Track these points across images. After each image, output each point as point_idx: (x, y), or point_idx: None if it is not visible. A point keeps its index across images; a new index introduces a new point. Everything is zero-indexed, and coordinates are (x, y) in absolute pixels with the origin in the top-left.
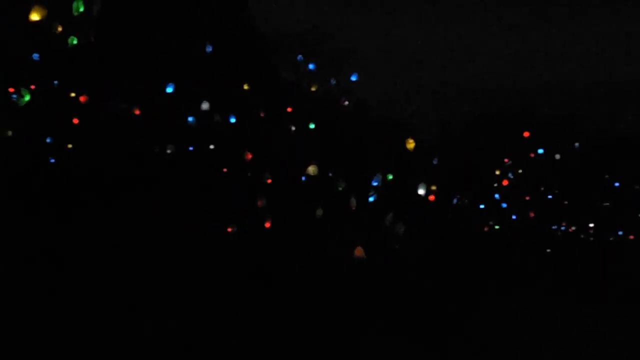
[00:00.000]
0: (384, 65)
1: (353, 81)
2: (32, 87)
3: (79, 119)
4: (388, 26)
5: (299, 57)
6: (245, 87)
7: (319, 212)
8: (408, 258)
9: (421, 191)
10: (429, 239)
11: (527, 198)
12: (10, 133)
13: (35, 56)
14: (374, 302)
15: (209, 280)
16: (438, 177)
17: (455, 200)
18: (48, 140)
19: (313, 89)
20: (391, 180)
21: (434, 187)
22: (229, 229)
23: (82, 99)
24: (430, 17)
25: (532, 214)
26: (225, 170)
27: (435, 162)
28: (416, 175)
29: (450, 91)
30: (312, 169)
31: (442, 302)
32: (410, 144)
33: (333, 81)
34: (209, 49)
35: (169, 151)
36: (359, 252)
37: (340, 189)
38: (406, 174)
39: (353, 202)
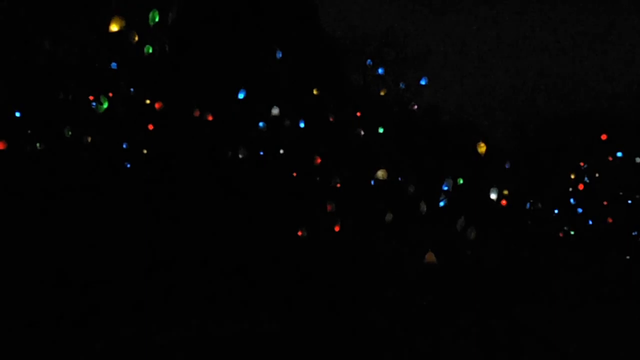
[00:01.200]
0: (455, 69)
1: (423, 85)
2: (110, 94)
3: (153, 125)
4: (458, 29)
5: (369, 61)
6: (315, 92)
7: (389, 216)
8: (480, 263)
9: (493, 195)
10: (502, 244)
11: (605, 203)
12: (89, 139)
13: (114, 65)
14: (445, 306)
15: (280, 281)
16: (511, 181)
17: (528, 205)
18: (124, 145)
19: (382, 93)
20: (462, 184)
21: (506, 192)
22: (299, 233)
23: (157, 105)
24: (502, 18)
25: (610, 220)
26: (295, 174)
27: (507, 165)
28: (488, 180)
29: (524, 93)
30: (381, 174)
31: (513, 306)
32: (482, 148)
33: (402, 85)
34: (279, 54)
35: (240, 156)
36: (430, 257)
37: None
38: (477, 178)
39: (423, 206)
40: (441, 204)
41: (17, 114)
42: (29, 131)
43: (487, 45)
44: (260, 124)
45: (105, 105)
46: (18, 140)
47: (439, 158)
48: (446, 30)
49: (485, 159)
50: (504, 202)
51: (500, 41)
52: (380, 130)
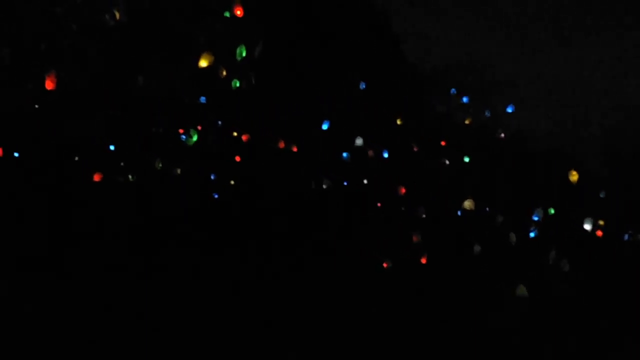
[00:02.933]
0: (543, 94)
1: (509, 112)
2: (199, 127)
3: (240, 157)
4: (545, 54)
5: (452, 89)
6: (398, 121)
7: (477, 248)
8: (573, 297)
9: (587, 226)
10: (597, 277)
11: None
12: (179, 171)
13: (202, 99)
14: (536, 342)
15: (366, 315)
16: (606, 211)
17: (626, 236)
18: (212, 176)
19: (467, 121)
20: (553, 214)
21: (601, 222)
22: (385, 265)
23: (244, 137)
24: (592, 41)
25: None
26: (379, 204)
27: (602, 194)
28: (581, 209)
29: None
30: (468, 204)
31: (609, 350)
32: (574, 176)
33: (488, 113)
34: (362, 85)
35: (324, 186)
36: (521, 290)
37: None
38: (570, 208)
39: (513, 237)
40: (531, 234)
41: (111, 147)
42: (122, 163)
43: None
44: (344, 154)
45: (195, 138)
46: (112, 173)
47: (528, 187)
48: (534, 56)
49: (578, 188)
50: (599, 232)
51: (592, 65)
52: (466, 159)
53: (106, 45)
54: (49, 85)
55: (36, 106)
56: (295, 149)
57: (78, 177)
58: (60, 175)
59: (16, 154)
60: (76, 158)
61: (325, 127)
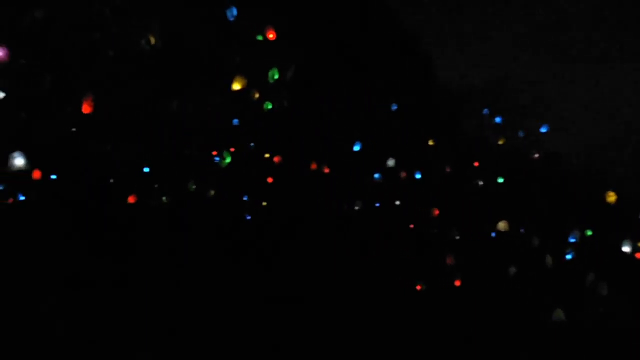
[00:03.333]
0: (578, 114)
1: (543, 133)
2: (232, 149)
3: (272, 178)
4: (580, 73)
5: (485, 110)
6: (430, 142)
7: (512, 270)
8: (612, 321)
9: (626, 248)
10: (636, 301)
11: None
12: (212, 192)
13: (235, 121)
14: None
15: (401, 338)
16: None
17: None
18: (245, 197)
19: (500, 142)
20: (590, 236)
21: None
22: (418, 287)
23: (275, 159)
24: (628, 59)
25: None
26: (412, 226)
27: None
28: (619, 231)
29: None
30: (502, 225)
31: None
32: (611, 197)
33: (521, 133)
34: (393, 106)
35: (356, 208)
36: (558, 314)
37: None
38: (608, 229)
39: (549, 260)
40: (568, 257)
41: (146, 170)
42: (156, 185)
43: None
44: (376, 175)
45: (228, 159)
46: (146, 195)
47: (564, 208)
48: (569, 75)
49: (615, 209)
50: (638, 255)
51: (628, 84)
52: (500, 180)
53: (141, 70)
54: (86, 109)
55: (73, 129)
56: (327, 170)
57: (114, 199)
58: (96, 197)
59: (53, 177)
60: (111, 180)
61: (356, 148)
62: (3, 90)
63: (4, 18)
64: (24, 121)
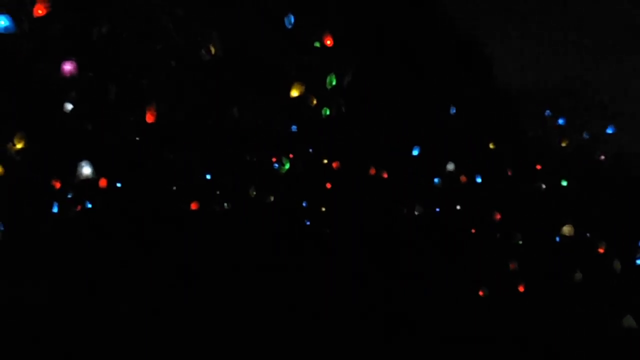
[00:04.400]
0: None
1: (610, 134)
2: (291, 155)
3: (331, 184)
4: None
5: (547, 111)
6: (491, 145)
7: (578, 276)
8: None
9: None
10: None
11: None
12: (272, 198)
13: (294, 128)
14: None
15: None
16: None
17: None
18: (304, 204)
19: (564, 144)
20: None
21: None
22: (481, 293)
23: (334, 164)
24: None
25: None
26: (473, 231)
27: None
28: None
29: None
30: (567, 229)
31: None
32: None
33: (586, 135)
34: (452, 110)
35: (416, 213)
36: (628, 321)
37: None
38: None
39: (617, 265)
40: (638, 262)
41: (208, 177)
42: (218, 192)
43: None
44: (436, 180)
45: (287, 166)
46: (208, 201)
47: (632, 211)
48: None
49: None
50: None
51: None
52: (564, 183)
53: (202, 79)
54: (150, 118)
55: (137, 138)
56: (385, 175)
57: (176, 205)
58: (159, 204)
59: (119, 184)
60: (174, 187)
61: (415, 152)
62: (71, 102)
63: (72, 33)
64: (91, 131)
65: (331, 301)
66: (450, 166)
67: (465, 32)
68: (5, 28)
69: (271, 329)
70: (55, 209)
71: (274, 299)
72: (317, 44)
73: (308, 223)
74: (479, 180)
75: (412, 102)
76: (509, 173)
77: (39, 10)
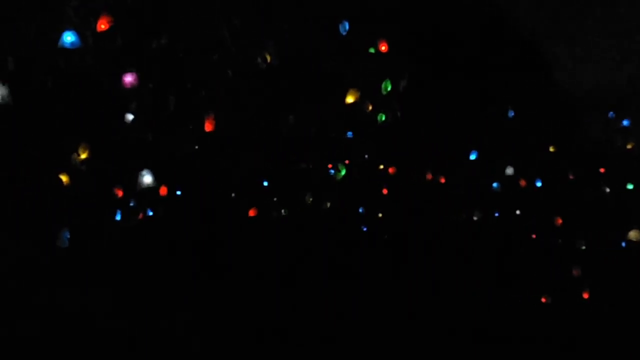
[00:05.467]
0: None
1: None
2: (347, 162)
3: (388, 190)
4: None
5: (611, 113)
6: (551, 149)
7: None
8: None
9: None
10: None
11: None
12: (328, 205)
13: (349, 134)
14: None
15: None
16: None
17: None
18: (360, 210)
19: (629, 146)
20: None
21: None
22: (543, 300)
23: (390, 170)
24: None
25: None
26: (534, 236)
27: None
28: None
29: None
30: (634, 234)
31: None
32: None
33: None
34: (510, 113)
35: (475, 218)
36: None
37: None
38: None
39: None
40: None
41: (265, 183)
42: (275, 198)
43: None
44: (494, 184)
45: (343, 172)
46: (266, 207)
47: None
48: None
49: None
50: None
51: None
52: (630, 186)
53: (259, 87)
54: (208, 127)
55: (196, 147)
56: (442, 180)
57: (235, 213)
58: (217, 211)
59: (179, 192)
60: (233, 194)
61: (473, 157)
62: (132, 113)
63: (133, 46)
64: (151, 141)
65: (391, 308)
66: (510, 170)
67: (526, 34)
68: (72, 43)
69: (333, 334)
70: (118, 217)
71: (334, 305)
72: (372, 50)
73: (365, 229)
74: (539, 184)
75: (469, 105)
76: (571, 177)
77: (102, 25)
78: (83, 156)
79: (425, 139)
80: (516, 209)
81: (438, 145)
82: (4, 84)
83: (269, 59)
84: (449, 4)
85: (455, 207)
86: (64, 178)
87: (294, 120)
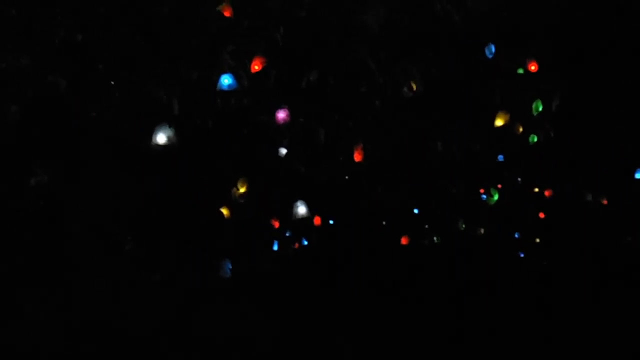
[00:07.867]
0: None
1: None
2: (499, 186)
3: (544, 213)
4: None
5: None
6: None
7: None
8: None
9: None
10: None
11: None
12: (482, 231)
13: (500, 157)
14: None
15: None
16: None
17: None
18: (516, 235)
19: None
20: None
21: None
22: None
23: (546, 193)
24: None
25: None
26: None
27: None
28: None
29: None
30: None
31: None
32: None
33: None
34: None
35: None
36: None
37: None
38: None
39: None
40: None
41: (415, 211)
42: (426, 226)
43: None
44: None
45: (496, 197)
46: (417, 235)
47: None
48: None
49: None
50: None
51: None
52: None
53: (406, 116)
54: (357, 157)
55: (347, 177)
56: (605, 202)
57: (386, 241)
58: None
59: (331, 221)
60: (384, 222)
61: (638, 175)
62: (285, 147)
63: (284, 83)
64: (304, 173)
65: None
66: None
67: None
68: (229, 85)
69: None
70: (275, 247)
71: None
72: (521, 71)
73: (522, 255)
74: None
75: (626, 123)
76: None
77: (256, 66)
78: (242, 190)
79: (582, 158)
80: None
81: (597, 165)
82: (170, 126)
83: (414, 86)
84: (601, 20)
85: (621, 230)
86: (225, 211)
87: (442, 146)
